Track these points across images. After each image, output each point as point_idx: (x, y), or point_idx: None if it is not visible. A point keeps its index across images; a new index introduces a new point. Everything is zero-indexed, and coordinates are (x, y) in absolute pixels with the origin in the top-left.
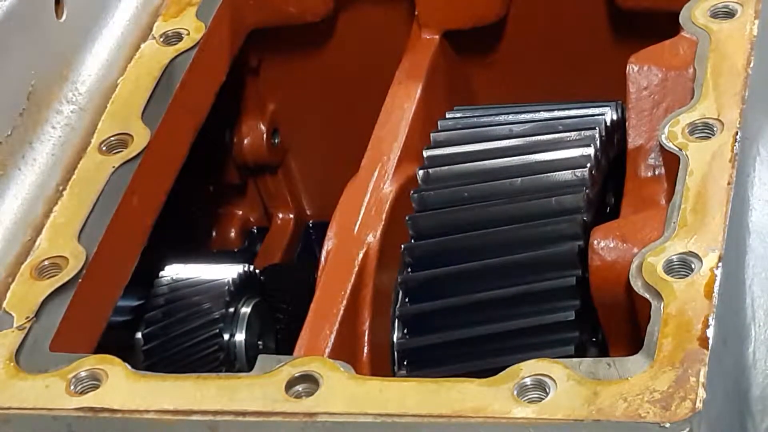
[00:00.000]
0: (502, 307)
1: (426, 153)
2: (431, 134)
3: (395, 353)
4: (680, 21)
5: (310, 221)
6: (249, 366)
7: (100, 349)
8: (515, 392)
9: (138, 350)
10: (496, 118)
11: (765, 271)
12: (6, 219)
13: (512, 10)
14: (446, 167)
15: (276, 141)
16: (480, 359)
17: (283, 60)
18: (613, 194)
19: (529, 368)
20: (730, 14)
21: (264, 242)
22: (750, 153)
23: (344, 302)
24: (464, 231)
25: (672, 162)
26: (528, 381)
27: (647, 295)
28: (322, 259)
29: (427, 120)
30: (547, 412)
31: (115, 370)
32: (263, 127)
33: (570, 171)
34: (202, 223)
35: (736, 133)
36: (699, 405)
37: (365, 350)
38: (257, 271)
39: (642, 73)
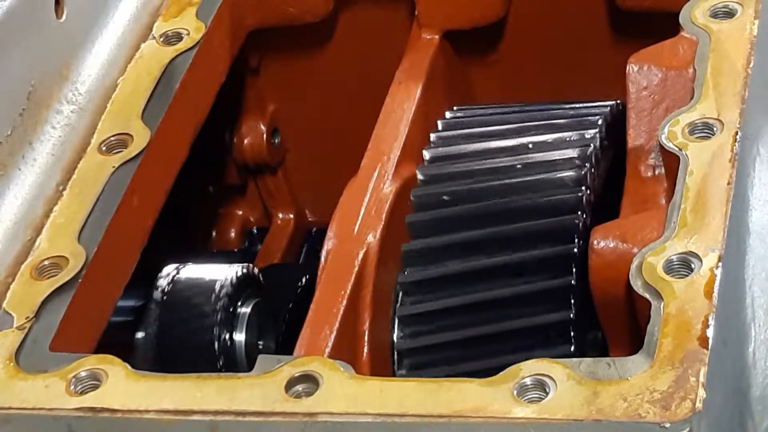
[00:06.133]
0: (501, 306)
1: (425, 153)
2: (431, 134)
3: (395, 353)
4: (680, 21)
5: (314, 228)
6: (249, 366)
7: (100, 349)
8: (515, 392)
9: (138, 350)
10: (496, 117)
11: (765, 271)
12: (6, 219)
13: (512, 11)
14: (445, 167)
15: (276, 141)
16: (480, 359)
17: (283, 60)
18: (613, 194)
19: (529, 368)
20: (730, 14)
21: (264, 242)
22: (750, 153)
23: (344, 302)
24: (463, 226)
25: (672, 162)
26: (528, 381)
27: (647, 295)
28: (322, 258)
29: (427, 120)
30: (547, 412)
31: (115, 370)
32: (263, 127)
33: (569, 170)
34: (202, 223)
35: (736, 133)
36: (699, 405)
37: (365, 350)
38: (257, 271)
39: (642, 73)
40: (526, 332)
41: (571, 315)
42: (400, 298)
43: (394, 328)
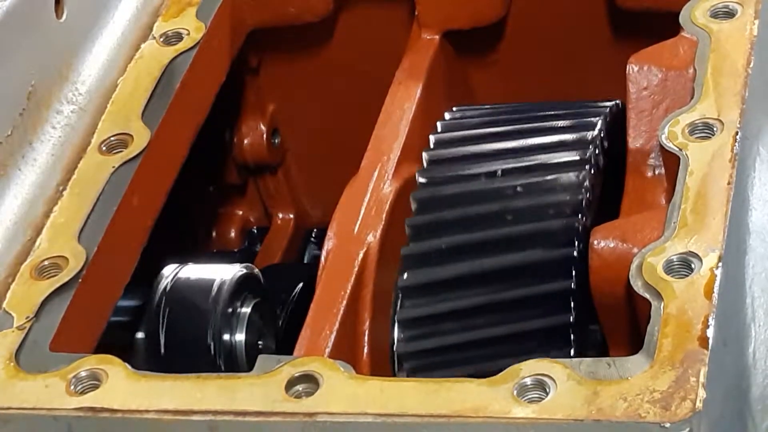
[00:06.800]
0: (501, 310)
1: (425, 154)
2: (431, 135)
3: (395, 357)
4: (680, 21)
5: (314, 228)
6: (249, 366)
7: (100, 349)
8: (515, 392)
9: (138, 350)
10: (496, 117)
11: (765, 271)
12: (6, 219)
13: (512, 10)
14: (446, 167)
15: (276, 141)
16: (480, 363)
17: (283, 60)
18: (613, 194)
19: (529, 368)
20: (730, 14)
21: (264, 242)
22: (750, 153)
23: (344, 302)
24: (464, 228)
25: (672, 162)
26: (528, 381)
27: (647, 295)
28: (322, 258)
29: (427, 120)
30: (547, 411)
31: (115, 370)
32: (263, 127)
33: (569, 171)
34: (202, 223)
35: (736, 133)
36: (699, 405)
37: (365, 350)
38: (257, 271)
39: (642, 73)
40: (527, 336)
41: (572, 318)
42: (400, 301)
43: (394, 331)
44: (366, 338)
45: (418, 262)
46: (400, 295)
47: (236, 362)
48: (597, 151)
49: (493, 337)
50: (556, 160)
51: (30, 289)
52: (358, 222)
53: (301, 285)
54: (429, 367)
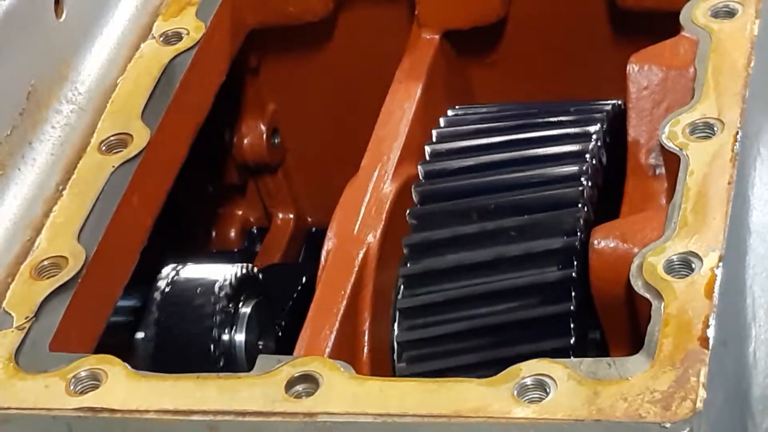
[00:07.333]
0: (501, 298)
1: (414, 190)
2: (419, 165)
3: (395, 345)
4: (681, 21)
5: (314, 228)
6: (249, 366)
7: (99, 349)
8: (515, 392)
9: (138, 350)
10: (496, 117)
11: (765, 271)
12: (5, 219)
13: (512, 10)
14: (445, 167)
15: (276, 141)
16: (479, 351)
17: (283, 60)
18: (613, 194)
19: (529, 368)
20: (730, 14)
21: (264, 242)
22: (750, 153)
23: (344, 302)
24: (465, 219)
25: (672, 162)
26: (528, 381)
27: (647, 295)
28: (322, 258)
29: (427, 120)
30: (547, 412)
31: (114, 370)
32: (263, 127)
33: (570, 166)
34: (202, 223)
35: (737, 133)
36: (699, 405)
37: (365, 350)
38: (257, 270)
39: (642, 72)
40: (527, 324)
41: (573, 307)
42: (401, 291)
43: (395, 320)
44: (366, 338)
45: (413, 315)
46: (401, 284)
47: (236, 362)
48: (598, 148)
49: (495, 324)
50: (557, 160)
51: (30, 289)
52: (358, 222)
53: (301, 285)
54: (429, 356)
